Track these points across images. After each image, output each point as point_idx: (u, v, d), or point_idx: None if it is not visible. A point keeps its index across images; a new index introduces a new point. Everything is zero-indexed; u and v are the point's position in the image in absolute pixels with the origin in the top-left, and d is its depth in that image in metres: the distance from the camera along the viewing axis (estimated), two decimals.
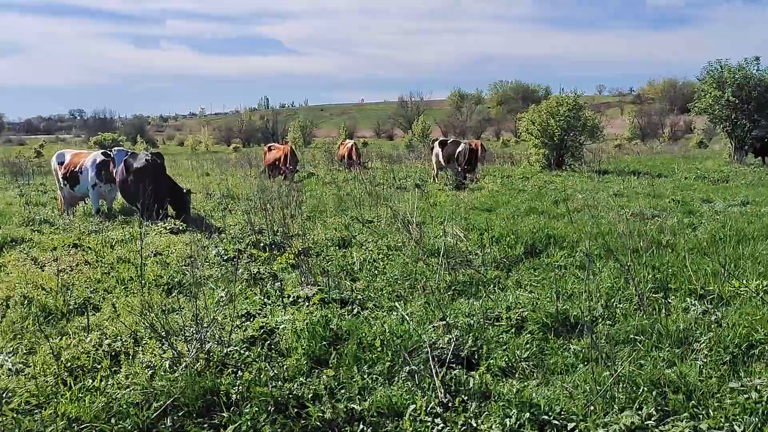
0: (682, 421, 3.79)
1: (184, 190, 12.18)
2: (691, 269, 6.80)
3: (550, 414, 3.93)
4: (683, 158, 29.43)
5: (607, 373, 4.43)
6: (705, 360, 4.74)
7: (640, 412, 3.87)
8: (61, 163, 13.19)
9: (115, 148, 12.99)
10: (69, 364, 4.87)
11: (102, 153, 12.80)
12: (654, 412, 3.87)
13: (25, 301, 6.48)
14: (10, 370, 4.86)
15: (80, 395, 4.34)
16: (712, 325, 5.34)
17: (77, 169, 12.76)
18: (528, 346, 5.16)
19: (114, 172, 12.19)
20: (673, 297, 6.23)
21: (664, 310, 5.75)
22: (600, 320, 5.69)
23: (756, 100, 25.78)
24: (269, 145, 23.29)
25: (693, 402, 4.06)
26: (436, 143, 20.34)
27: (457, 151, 18.96)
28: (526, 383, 4.49)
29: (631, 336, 5.27)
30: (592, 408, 3.99)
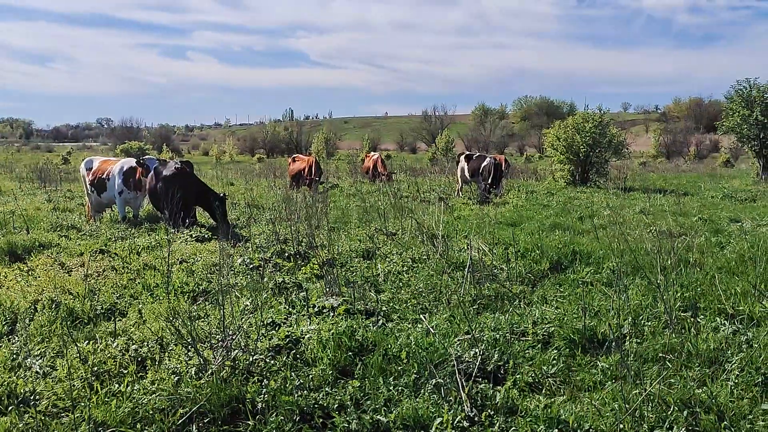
0: None
1: (221, 196, 12.26)
2: (721, 288, 6.68)
3: (578, 431, 3.88)
4: (709, 177, 29.06)
5: (636, 391, 4.36)
6: (736, 381, 4.65)
7: None
8: (89, 170, 13.38)
9: (145, 156, 13.16)
10: (96, 368, 4.91)
11: (135, 161, 12.93)
12: None
13: (53, 305, 6.56)
14: (37, 372, 4.91)
15: (107, 399, 4.38)
16: (743, 345, 5.24)
17: (104, 175, 12.94)
18: (555, 361, 5.10)
19: (146, 179, 12.39)
20: (702, 316, 6.13)
21: (693, 329, 5.66)
22: (628, 338, 5.61)
23: None
24: (294, 156, 23.44)
25: (725, 423, 3.98)
26: (462, 157, 20.32)
27: (483, 165, 18.90)
28: (553, 399, 4.43)
29: (660, 354, 5.18)
30: (621, 426, 3.93)
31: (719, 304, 6.36)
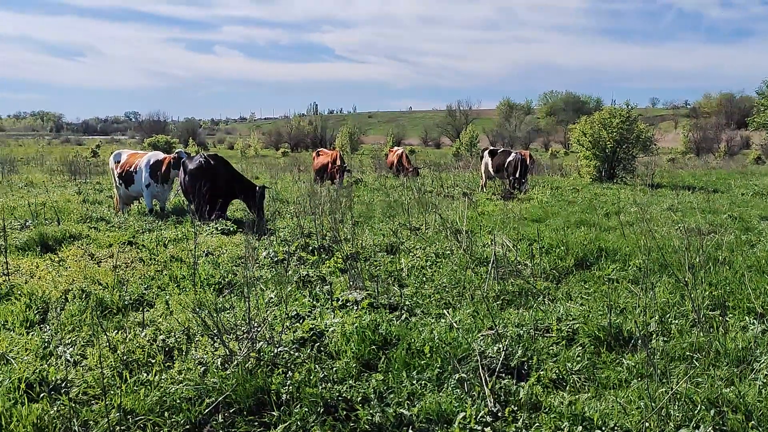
0: None
1: (260, 188, 12.36)
2: (750, 287, 6.58)
3: (603, 428, 3.86)
4: (740, 174, 28.56)
5: (663, 389, 4.32)
6: (765, 380, 4.58)
7: (697, 431, 3.77)
8: (117, 163, 13.56)
9: (178, 150, 13.34)
10: (124, 357, 4.99)
11: (176, 153, 13.07)
12: (712, 431, 3.76)
13: (83, 295, 6.67)
14: (68, 361, 5.00)
15: (135, 388, 4.45)
16: None
17: (132, 168, 13.10)
18: (579, 358, 5.07)
19: (176, 172, 12.59)
20: (731, 315, 6.06)
21: (721, 328, 5.59)
22: (654, 336, 5.56)
23: None
24: (318, 150, 23.52)
25: (752, 423, 3.94)
26: (486, 152, 20.21)
27: (508, 160, 18.80)
28: (577, 396, 4.41)
29: (687, 353, 5.13)
30: (646, 425, 3.90)
31: (748, 303, 6.27)
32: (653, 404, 4.09)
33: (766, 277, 7.20)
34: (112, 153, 14.47)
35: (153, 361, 4.94)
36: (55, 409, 4.16)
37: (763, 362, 4.83)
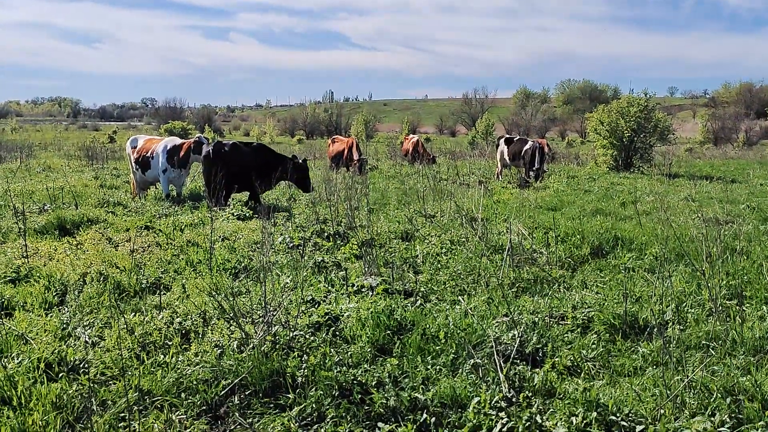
0: (758, 430, 3.66)
1: (298, 163, 12.52)
2: None
3: (617, 415, 3.85)
4: (759, 164, 28.21)
5: (678, 377, 4.31)
6: None
7: (712, 419, 3.75)
8: (134, 148, 13.64)
9: (198, 135, 13.39)
10: (142, 339, 5.05)
11: (197, 137, 13.12)
12: (727, 420, 3.74)
13: (101, 278, 6.75)
14: (86, 342, 5.07)
15: (152, 369, 4.51)
16: None
17: (149, 154, 13.17)
18: (594, 346, 5.07)
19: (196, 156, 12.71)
20: (748, 304, 6.01)
21: (738, 317, 5.54)
22: (670, 324, 5.53)
23: None
24: (333, 137, 23.54)
25: None
26: (502, 140, 20.09)
27: (524, 149, 18.67)
28: (592, 383, 4.40)
29: (703, 342, 5.11)
30: (662, 411, 3.89)
31: (766, 293, 6.23)
32: (668, 392, 4.08)
33: None
34: (128, 138, 14.55)
35: (170, 343, 4.99)
36: (74, 388, 4.23)
37: None
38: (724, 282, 6.53)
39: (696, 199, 14.07)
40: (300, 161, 12.67)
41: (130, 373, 4.45)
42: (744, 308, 5.84)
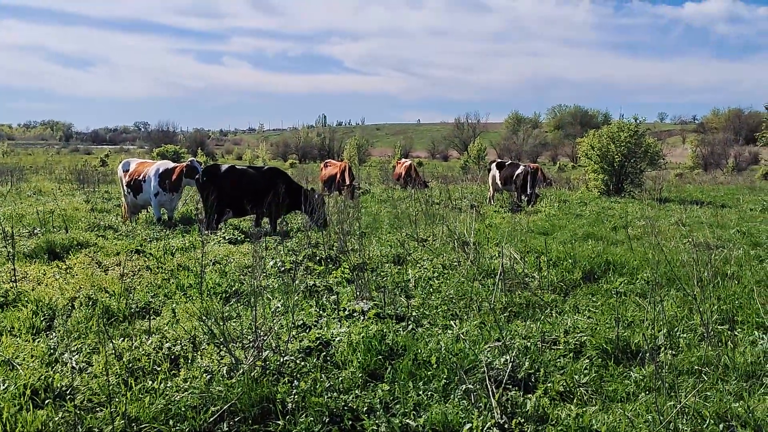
0: None
1: (309, 191, 12.37)
2: (759, 302, 6.53)
3: None
4: (748, 189, 28.43)
5: (671, 403, 4.28)
6: None
7: None
8: (126, 171, 13.62)
9: (188, 159, 13.43)
10: (130, 364, 4.98)
11: (189, 162, 13.09)
12: None
13: (90, 303, 6.69)
14: (74, 368, 5.00)
15: (140, 396, 4.44)
16: None
17: (141, 177, 13.15)
18: (586, 371, 5.04)
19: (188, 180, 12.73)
20: (739, 329, 6.02)
21: (730, 342, 5.54)
22: (662, 349, 5.52)
23: None
24: (326, 161, 23.58)
25: None
26: (494, 165, 20.22)
27: (516, 173, 18.78)
28: (585, 409, 4.38)
29: (696, 367, 5.09)
30: None
31: (757, 318, 6.23)
32: (661, 418, 4.06)
33: None
34: (120, 162, 14.54)
35: (158, 368, 4.94)
36: (60, 415, 4.16)
37: None
38: (716, 307, 6.54)
39: (686, 223, 14.13)
40: (317, 195, 12.43)
41: (117, 399, 4.39)
42: (735, 333, 5.85)
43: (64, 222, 11.88)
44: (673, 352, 5.45)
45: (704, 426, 4.00)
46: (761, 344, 5.51)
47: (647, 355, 5.16)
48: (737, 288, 7.37)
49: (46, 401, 4.35)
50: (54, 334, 5.81)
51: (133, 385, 4.60)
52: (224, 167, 12.51)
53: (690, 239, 11.09)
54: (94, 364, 5.06)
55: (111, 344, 5.18)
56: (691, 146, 69.29)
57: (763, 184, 36.07)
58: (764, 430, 3.99)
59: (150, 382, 4.66)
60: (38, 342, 5.52)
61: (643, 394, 4.65)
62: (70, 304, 6.69)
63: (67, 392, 4.55)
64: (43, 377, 4.65)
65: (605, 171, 23.94)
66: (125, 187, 13.54)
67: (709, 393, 4.57)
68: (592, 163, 24.40)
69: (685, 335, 5.82)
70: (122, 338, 5.62)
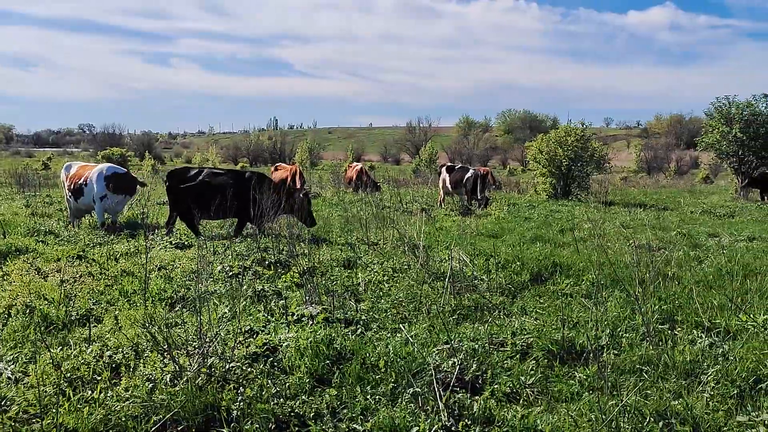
0: None
1: (302, 194, 12.15)
2: (698, 302, 6.73)
3: None
4: (689, 192, 29.38)
5: (613, 402, 4.37)
6: (712, 392, 4.68)
7: None
8: (67, 175, 13.25)
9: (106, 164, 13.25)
10: (69, 374, 4.82)
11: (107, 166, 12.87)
12: None
13: (27, 310, 6.46)
14: (9, 378, 4.82)
15: (79, 406, 4.30)
16: (719, 358, 5.27)
17: (82, 181, 12.78)
18: (533, 372, 5.10)
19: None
20: (679, 329, 6.18)
21: (670, 342, 5.69)
22: (606, 349, 5.63)
23: (763, 137, 25.65)
24: (276, 164, 23.37)
25: None
26: (444, 169, 20.38)
27: (466, 177, 18.97)
28: (530, 409, 4.43)
29: (637, 366, 5.21)
30: None
31: (696, 317, 6.41)
32: (604, 417, 4.13)
33: (713, 291, 7.36)
34: (63, 165, 14.12)
35: (99, 378, 4.78)
36: None
37: (710, 375, 4.93)
38: (657, 307, 6.71)
39: (630, 226, 14.50)
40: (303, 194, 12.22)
41: (53, 410, 4.23)
42: (676, 332, 6.01)
43: (1, 227, 11.46)
44: (616, 352, 5.56)
45: (645, 424, 4.09)
46: (700, 343, 5.67)
47: (591, 355, 5.25)
48: (677, 288, 7.58)
49: None
50: None
51: (72, 395, 4.45)
52: (194, 169, 12.28)
53: (633, 241, 11.38)
54: (30, 373, 4.88)
55: (48, 353, 5.00)
56: (635, 151, 71.11)
57: (703, 187, 37.31)
58: (702, 427, 4.10)
59: (89, 392, 4.52)
60: None
61: (587, 393, 4.73)
62: (6, 313, 6.45)
63: (1, 403, 4.38)
64: None
65: (553, 175, 24.39)
66: (67, 191, 13.15)
67: (649, 391, 4.68)
68: (541, 167, 24.82)
69: (627, 335, 5.95)
70: (61, 347, 5.44)
